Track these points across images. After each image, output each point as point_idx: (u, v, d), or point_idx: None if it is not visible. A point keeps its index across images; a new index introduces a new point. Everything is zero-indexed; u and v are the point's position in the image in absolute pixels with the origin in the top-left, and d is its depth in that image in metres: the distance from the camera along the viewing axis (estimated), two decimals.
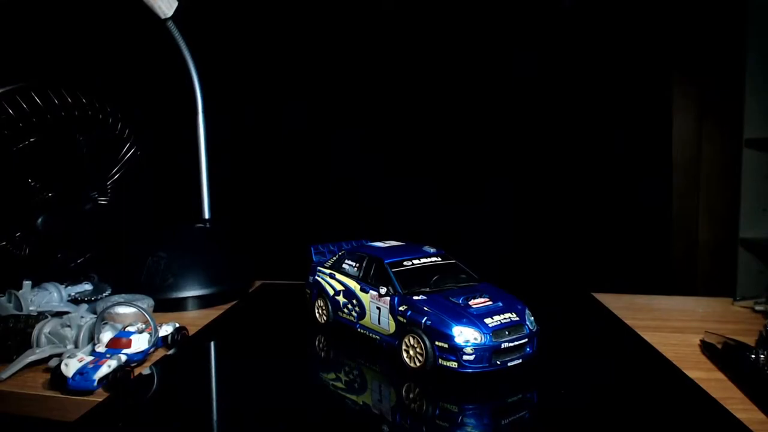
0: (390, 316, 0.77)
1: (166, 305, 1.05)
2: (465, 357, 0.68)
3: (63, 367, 0.70)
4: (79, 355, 0.72)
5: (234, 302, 1.12)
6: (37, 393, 0.71)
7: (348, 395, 0.70)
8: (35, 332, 0.79)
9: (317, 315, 0.93)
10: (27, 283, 0.95)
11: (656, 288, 1.27)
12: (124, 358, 0.74)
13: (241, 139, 1.52)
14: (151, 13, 1.10)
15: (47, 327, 0.80)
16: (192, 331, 0.91)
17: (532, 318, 0.75)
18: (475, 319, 0.70)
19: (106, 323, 0.81)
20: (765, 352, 0.70)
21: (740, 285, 1.51)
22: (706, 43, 1.47)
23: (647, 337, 0.87)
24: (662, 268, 1.46)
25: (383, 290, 0.78)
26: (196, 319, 1.01)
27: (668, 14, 1.39)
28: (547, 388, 0.71)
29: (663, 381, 0.73)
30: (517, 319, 0.73)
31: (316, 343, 0.88)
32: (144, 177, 1.33)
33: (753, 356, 0.71)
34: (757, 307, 1.01)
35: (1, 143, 1.09)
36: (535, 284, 1.22)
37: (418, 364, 0.72)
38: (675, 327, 0.94)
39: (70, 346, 0.79)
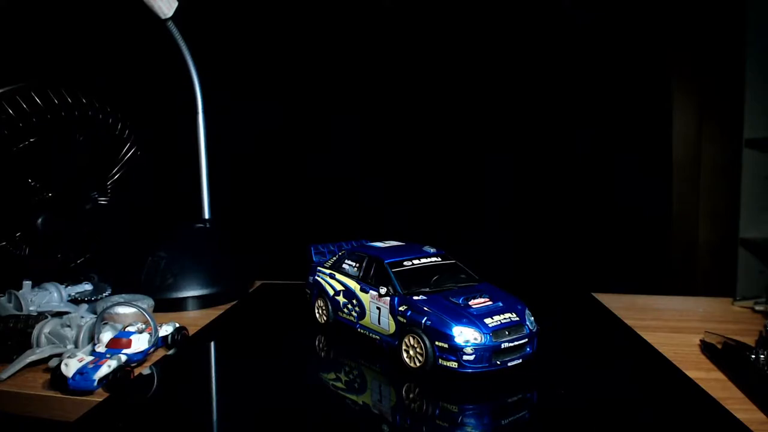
0: (390, 316, 0.77)
1: (166, 305, 1.05)
2: (465, 357, 0.68)
3: (63, 367, 0.70)
4: (79, 355, 0.72)
5: (234, 302, 1.12)
6: (37, 393, 0.71)
7: (348, 395, 0.70)
8: (35, 332, 0.79)
9: (317, 315, 0.93)
10: (27, 283, 0.95)
11: (656, 288, 1.27)
12: (124, 358, 0.74)
13: (241, 139, 1.52)
14: (151, 14, 1.10)
15: (47, 327, 0.80)
16: (192, 331, 0.91)
17: (532, 318, 0.75)
18: (475, 319, 0.70)
19: (106, 323, 0.81)
20: (765, 352, 0.70)
21: (740, 285, 1.51)
22: (706, 43, 1.47)
23: (647, 337, 0.87)
24: (662, 268, 1.46)
25: (383, 290, 0.78)
26: (196, 319, 1.01)
27: (668, 14, 1.39)
28: (547, 388, 0.71)
29: (663, 381, 0.73)
30: (517, 319, 0.73)
31: (316, 343, 0.88)
32: (144, 177, 1.33)
33: (753, 356, 0.71)
34: (757, 307, 1.01)
35: (1, 143, 1.09)
36: (535, 284, 1.22)
37: (418, 364, 0.72)
38: (675, 327, 0.94)
39: (70, 346, 0.79)
